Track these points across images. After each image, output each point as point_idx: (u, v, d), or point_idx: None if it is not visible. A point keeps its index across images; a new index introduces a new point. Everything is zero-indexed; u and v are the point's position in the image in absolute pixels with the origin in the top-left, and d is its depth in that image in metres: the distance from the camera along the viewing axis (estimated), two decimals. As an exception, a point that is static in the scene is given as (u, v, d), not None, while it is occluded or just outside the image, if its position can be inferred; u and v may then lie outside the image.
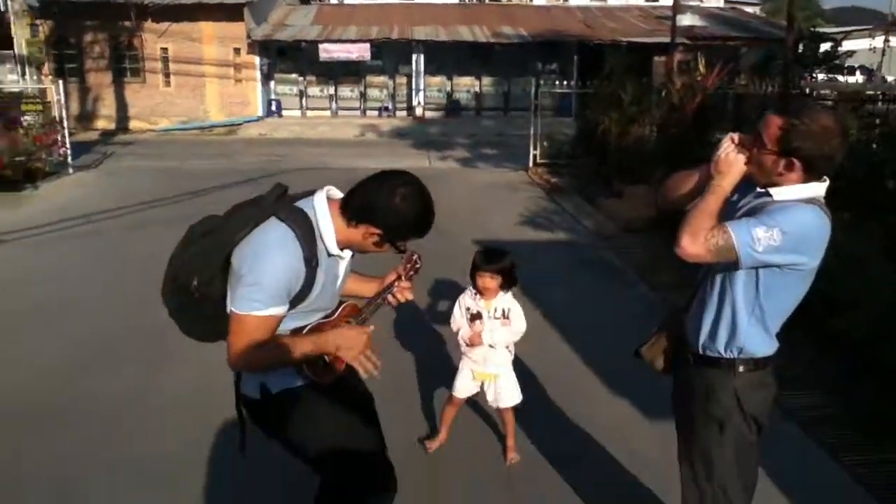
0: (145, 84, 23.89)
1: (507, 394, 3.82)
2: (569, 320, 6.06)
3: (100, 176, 14.03)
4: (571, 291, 7.02)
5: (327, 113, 25.92)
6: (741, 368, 2.39)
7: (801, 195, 2.24)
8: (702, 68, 10.58)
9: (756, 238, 2.16)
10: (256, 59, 24.10)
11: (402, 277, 2.67)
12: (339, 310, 2.51)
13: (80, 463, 3.86)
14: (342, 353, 2.32)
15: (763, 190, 2.30)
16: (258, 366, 2.33)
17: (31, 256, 8.19)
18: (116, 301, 6.57)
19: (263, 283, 2.19)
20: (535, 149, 14.61)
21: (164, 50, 23.70)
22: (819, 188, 2.27)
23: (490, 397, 3.86)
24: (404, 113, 25.70)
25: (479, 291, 3.72)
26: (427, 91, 25.48)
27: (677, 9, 24.13)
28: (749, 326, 2.35)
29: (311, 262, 2.27)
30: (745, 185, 2.35)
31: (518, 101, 25.15)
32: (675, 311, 2.71)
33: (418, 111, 24.90)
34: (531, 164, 14.53)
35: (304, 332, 2.37)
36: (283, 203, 2.37)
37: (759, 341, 2.38)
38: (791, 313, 2.41)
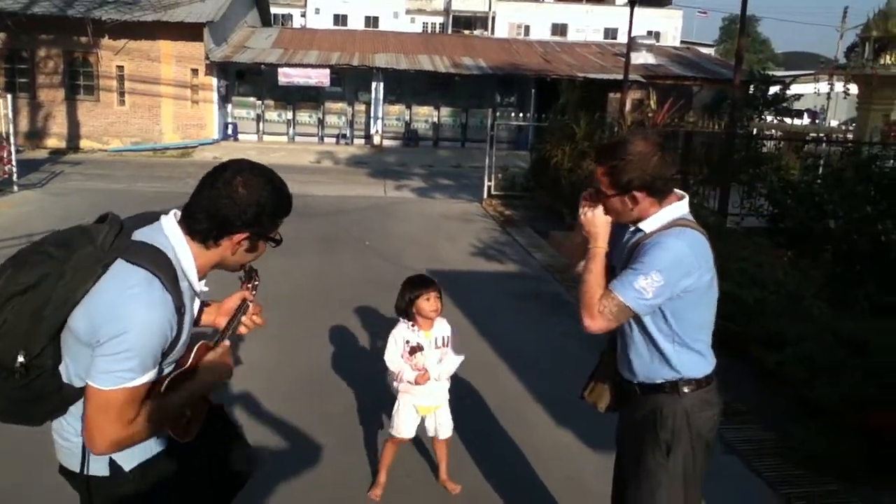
0: (99, 102, 23.40)
1: (447, 425, 3.77)
2: (516, 351, 6.13)
3: (45, 195, 13.68)
4: (519, 322, 7.04)
5: (284, 138, 25.77)
6: (685, 389, 2.44)
7: (666, 219, 2.38)
8: (652, 105, 10.78)
9: (641, 289, 2.28)
10: (214, 81, 23.84)
11: (248, 298, 2.31)
12: (192, 354, 2.08)
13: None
14: (218, 380, 2.12)
15: (634, 227, 2.43)
16: (131, 444, 1.91)
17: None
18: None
19: (135, 348, 1.79)
20: (489, 180, 14.67)
21: (121, 68, 23.24)
22: (681, 207, 2.42)
23: (430, 430, 3.78)
24: (362, 141, 25.67)
25: (423, 318, 3.58)
26: (385, 119, 25.51)
27: (634, 47, 24.69)
28: (677, 353, 2.42)
29: (180, 309, 1.90)
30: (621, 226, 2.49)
31: (476, 133, 25.36)
32: (604, 353, 2.75)
33: (376, 139, 24.89)
34: (486, 195, 14.59)
35: (163, 387, 1.94)
36: (123, 238, 1.92)
37: (694, 363, 2.45)
38: (715, 324, 2.51)
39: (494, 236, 11.28)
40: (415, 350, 3.59)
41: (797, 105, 24.52)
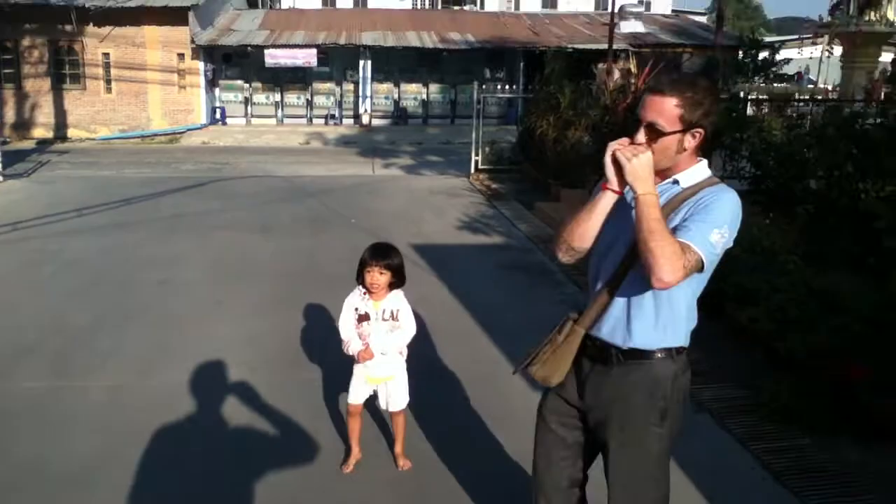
0: (86, 91, 23.27)
1: (398, 397, 3.76)
2: (497, 320, 6.14)
3: (31, 184, 13.66)
4: (502, 292, 7.05)
5: (273, 121, 25.62)
6: (675, 355, 2.36)
7: (703, 175, 2.29)
8: (633, 69, 10.71)
9: (714, 243, 2.14)
10: (201, 65, 23.69)
11: None
12: None
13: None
14: None
15: (667, 181, 2.28)
16: None
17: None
18: (42, 302, 6.58)
19: None
20: (476, 155, 14.61)
21: (106, 55, 23.08)
22: (707, 167, 2.33)
23: (381, 401, 3.79)
24: (351, 121, 25.55)
25: (368, 290, 3.60)
26: (374, 98, 25.36)
27: (622, 15, 24.49)
28: (687, 319, 2.35)
29: None
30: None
31: (465, 109, 25.13)
32: (573, 320, 2.48)
33: (365, 119, 24.77)
34: (473, 170, 14.53)
35: None
36: None
37: (686, 329, 2.38)
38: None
39: (480, 210, 11.25)
40: (361, 318, 3.61)
41: (787, 69, 24.33)
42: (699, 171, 2.29)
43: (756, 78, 21.59)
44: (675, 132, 2.20)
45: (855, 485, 3.71)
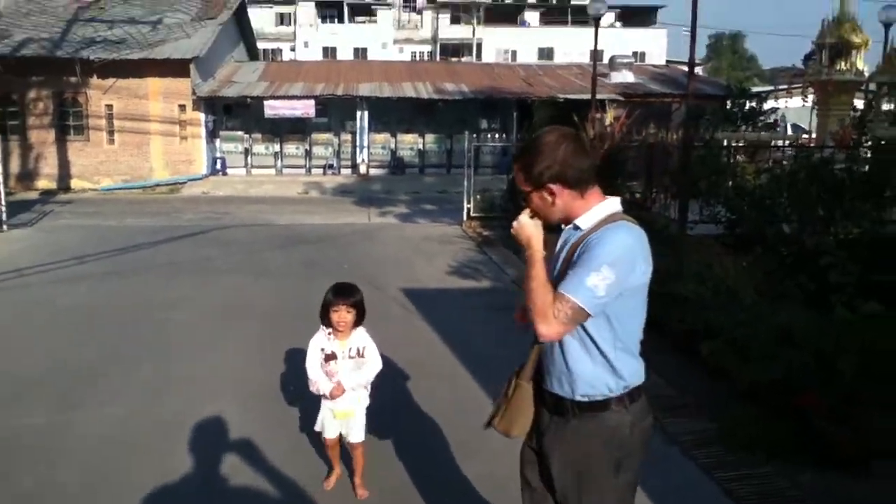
0: (89, 142, 23.79)
1: (358, 430, 3.90)
2: (479, 358, 6.33)
3: (34, 233, 14.01)
4: (486, 333, 7.26)
5: (272, 171, 26.11)
6: (628, 401, 2.38)
7: (602, 214, 2.34)
8: (610, 118, 11.15)
9: (593, 286, 2.19)
10: (202, 116, 24.27)
11: None
12: None
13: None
14: None
15: (571, 225, 2.40)
16: None
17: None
18: (42, 344, 6.85)
19: None
20: (468, 203, 14.98)
21: (109, 107, 23.67)
22: (614, 203, 2.39)
23: (344, 433, 3.93)
24: (349, 170, 26.04)
25: (334, 329, 3.74)
26: (371, 148, 25.89)
27: (613, 66, 25.15)
28: (619, 360, 2.34)
29: None
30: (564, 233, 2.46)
31: (461, 159, 25.47)
32: (519, 374, 2.59)
33: (362, 168, 25.26)
34: (465, 217, 14.90)
35: None
36: None
37: (634, 369, 2.40)
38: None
39: (471, 256, 11.57)
40: (329, 358, 3.76)
41: (774, 117, 25.01)
42: (599, 210, 2.35)
43: (744, 126, 22.29)
44: (530, 192, 2.36)
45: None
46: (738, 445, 4.52)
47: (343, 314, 3.72)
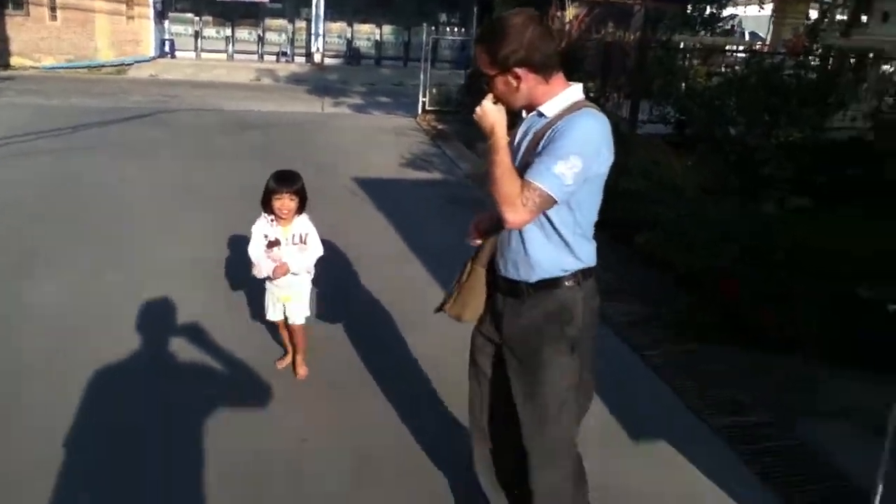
0: (29, 17, 22.61)
1: (298, 313, 3.99)
2: (427, 245, 6.49)
3: (-25, 109, 13.54)
4: (435, 222, 7.43)
5: (223, 56, 25.38)
6: (581, 277, 2.41)
7: (567, 101, 2.30)
8: (569, 16, 11.09)
9: (561, 174, 2.17)
10: (151, -5, 23.32)
11: None
12: None
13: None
14: None
15: (534, 112, 2.35)
16: None
17: None
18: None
19: None
20: (424, 96, 14.87)
21: (51, -20, 22.52)
22: (577, 90, 2.35)
23: (288, 315, 4.00)
24: (303, 59, 25.42)
25: (276, 216, 3.79)
26: (327, 37, 25.25)
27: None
28: (578, 244, 2.37)
29: None
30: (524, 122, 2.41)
31: (419, 52, 25.09)
32: (474, 260, 2.64)
33: (317, 57, 24.68)
34: (420, 111, 14.81)
35: None
36: None
37: (588, 251, 2.43)
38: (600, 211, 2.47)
39: (424, 148, 11.60)
40: (272, 244, 3.82)
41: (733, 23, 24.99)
42: (564, 97, 2.31)
43: (703, 31, 22.21)
44: (495, 75, 2.29)
45: (722, 380, 4.26)
46: (666, 327, 4.82)
47: (286, 201, 3.76)
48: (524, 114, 2.41)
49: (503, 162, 2.21)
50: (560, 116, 2.26)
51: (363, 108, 16.53)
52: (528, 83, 2.27)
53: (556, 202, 2.21)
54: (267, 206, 3.80)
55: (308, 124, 13.53)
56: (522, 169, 2.24)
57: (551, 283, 2.39)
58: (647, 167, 6.20)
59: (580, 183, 2.20)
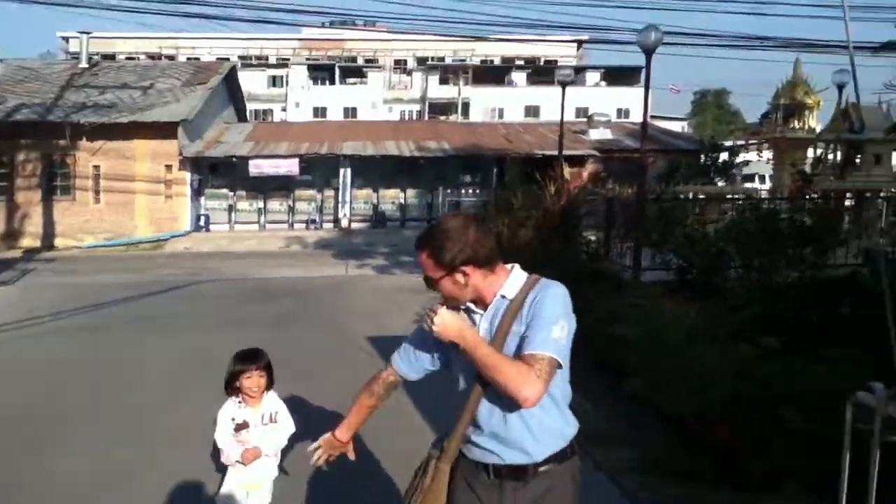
0: (75, 202, 24.03)
1: (262, 500, 3.75)
2: (431, 400, 6.48)
3: (12, 290, 14.24)
4: (446, 378, 7.45)
5: (255, 227, 26.42)
6: (569, 452, 2.44)
7: (522, 279, 2.42)
8: (567, 175, 11.58)
9: (558, 339, 2.25)
10: (187, 175, 24.67)
11: None
12: None
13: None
14: None
15: (496, 297, 2.41)
16: None
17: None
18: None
19: None
20: (443, 254, 15.26)
21: (97, 167, 23.94)
22: (519, 268, 2.47)
23: (253, 502, 3.73)
24: (331, 225, 26.40)
25: (246, 396, 3.64)
26: (354, 203, 26.31)
27: (591, 123, 25.76)
28: (565, 410, 2.44)
29: None
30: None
31: (442, 212, 26.11)
32: (435, 456, 2.58)
33: (344, 222, 25.66)
34: (440, 268, 15.15)
35: None
36: None
37: (571, 420, 2.46)
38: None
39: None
40: (240, 427, 3.61)
41: (747, 170, 25.71)
42: (517, 277, 2.42)
43: (717, 178, 22.91)
44: (440, 278, 2.36)
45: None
46: (658, 470, 4.81)
47: (256, 379, 3.62)
48: (471, 305, 2.45)
49: (490, 353, 2.25)
50: (524, 292, 2.37)
51: (386, 269, 17.01)
52: (474, 279, 2.36)
53: (560, 367, 2.27)
54: (232, 389, 3.66)
55: (331, 288, 13.94)
56: (500, 350, 2.30)
57: (559, 456, 2.40)
58: (638, 314, 6.29)
59: (569, 341, 2.31)
